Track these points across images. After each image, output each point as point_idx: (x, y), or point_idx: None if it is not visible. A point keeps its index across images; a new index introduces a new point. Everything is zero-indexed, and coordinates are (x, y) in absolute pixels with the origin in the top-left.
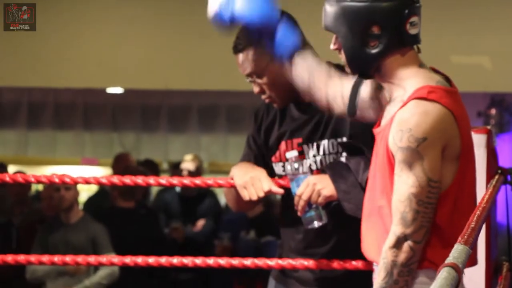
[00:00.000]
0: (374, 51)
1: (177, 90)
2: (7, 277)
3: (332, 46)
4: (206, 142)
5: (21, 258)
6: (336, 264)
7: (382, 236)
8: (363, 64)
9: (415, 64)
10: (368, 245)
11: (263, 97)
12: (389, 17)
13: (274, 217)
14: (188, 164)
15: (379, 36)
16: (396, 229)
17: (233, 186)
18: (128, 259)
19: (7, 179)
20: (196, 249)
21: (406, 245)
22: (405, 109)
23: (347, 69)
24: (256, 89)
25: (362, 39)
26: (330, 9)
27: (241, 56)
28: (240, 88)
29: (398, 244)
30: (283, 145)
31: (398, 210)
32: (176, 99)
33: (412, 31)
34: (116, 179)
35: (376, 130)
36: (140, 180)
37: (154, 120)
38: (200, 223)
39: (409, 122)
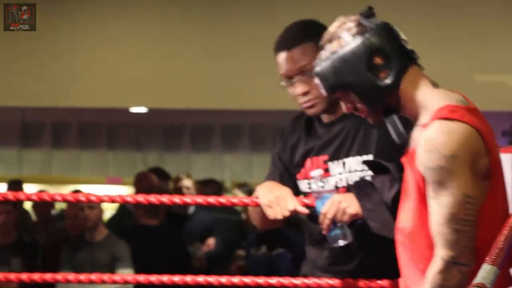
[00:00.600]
0: (388, 81)
1: (200, 109)
2: None
3: (346, 110)
4: (229, 161)
5: (48, 276)
6: (361, 283)
7: (416, 263)
8: (384, 99)
9: (428, 83)
10: (406, 277)
11: (304, 99)
12: (384, 41)
13: (284, 230)
14: (186, 182)
15: (385, 64)
16: (442, 253)
17: (258, 205)
18: (154, 278)
19: (34, 197)
20: (212, 267)
21: (455, 269)
22: (429, 130)
23: (371, 119)
24: (301, 89)
25: (372, 76)
26: (324, 69)
27: (294, 51)
28: (263, 107)
29: (447, 269)
30: (308, 162)
31: (440, 234)
32: (199, 118)
33: (408, 46)
34: (141, 198)
35: (404, 160)
36: (165, 199)
37: (177, 139)
38: (211, 241)
39: (435, 142)
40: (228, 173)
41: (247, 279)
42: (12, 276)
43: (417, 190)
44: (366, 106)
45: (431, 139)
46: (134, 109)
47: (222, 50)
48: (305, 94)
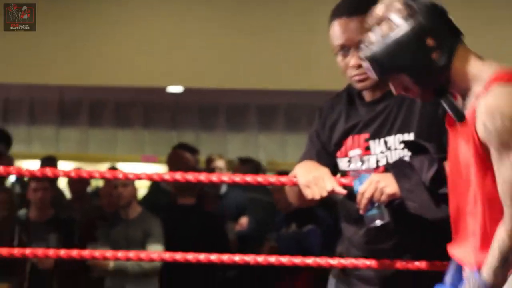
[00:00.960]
0: (441, 61)
1: (235, 89)
2: (71, 272)
3: (395, 91)
4: (264, 141)
5: (86, 253)
6: (398, 265)
7: (477, 232)
8: (438, 80)
9: (476, 57)
10: (462, 247)
11: (357, 72)
12: (435, 22)
13: (315, 207)
14: (219, 162)
15: (437, 45)
16: None
17: (295, 184)
18: (191, 256)
19: (72, 174)
20: (246, 247)
21: None
22: (489, 96)
23: (421, 99)
24: (355, 61)
25: (425, 58)
26: (377, 53)
27: (354, 20)
28: (299, 87)
29: None
30: (349, 140)
31: (510, 193)
32: (235, 98)
33: (455, 24)
34: (179, 176)
35: (453, 132)
36: (203, 177)
37: (213, 118)
38: (243, 220)
39: (499, 106)
40: (263, 153)
41: (284, 259)
42: (51, 252)
43: (477, 158)
44: (419, 87)
45: (493, 103)
46: (171, 88)
47: (259, 29)
48: (359, 66)
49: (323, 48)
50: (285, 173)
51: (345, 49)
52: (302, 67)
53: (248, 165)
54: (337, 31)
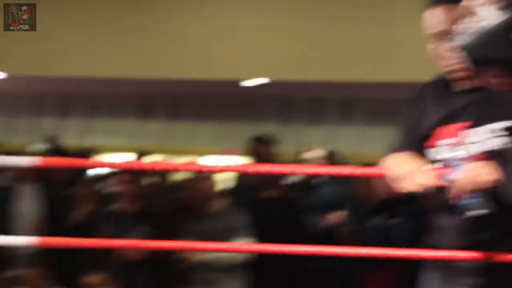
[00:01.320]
0: None
1: (315, 82)
2: (159, 264)
3: (487, 83)
4: (345, 134)
5: (180, 244)
6: (498, 255)
7: None
8: None
9: None
10: None
11: (454, 61)
12: None
13: (402, 200)
14: (314, 153)
15: None
16: None
17: (384, 176)
18: (287, 248)
19: (182, 167)
20: (331, 239)
21: None
22: None
23: None
24: (454, 50)
25: None
26: (472, 42)
27: (457, 7)
28: (381, 80)
29: None
30: (442, 129)
31: None
32: (315, 90)
33: None
34: (265, 168)
35: None
36: (292, 168)
37: (293, 111)
38: (338, 214)
39: None
40: (343, 145)
41: (375, 250)
42: (143, 243)
43: None
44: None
45: None
46: (250, 81)
47: (341, 22)
48: (455, 56)
49: (405, 40)
50: (368, 166)
51: (443, 37)
52: (384, 60)
53: (329, 159)
54: (437, 18)
